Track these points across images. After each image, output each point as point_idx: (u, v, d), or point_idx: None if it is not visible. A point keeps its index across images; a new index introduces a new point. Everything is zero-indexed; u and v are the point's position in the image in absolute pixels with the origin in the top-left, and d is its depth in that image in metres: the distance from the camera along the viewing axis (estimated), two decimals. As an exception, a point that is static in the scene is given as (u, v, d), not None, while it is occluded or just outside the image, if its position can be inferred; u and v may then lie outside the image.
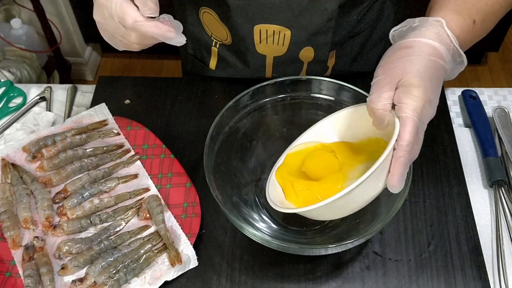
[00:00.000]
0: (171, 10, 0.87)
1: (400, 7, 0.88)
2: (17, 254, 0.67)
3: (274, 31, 0.77)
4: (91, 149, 0.77)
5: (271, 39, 0.79)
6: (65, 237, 0.69)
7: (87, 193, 0.72)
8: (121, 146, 0.79)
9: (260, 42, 0.80)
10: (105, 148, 0.78)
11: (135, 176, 0.76)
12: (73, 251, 0.67)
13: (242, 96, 0.70)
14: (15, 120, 0.85)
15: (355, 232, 0.65)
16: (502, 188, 0.75)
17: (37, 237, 0.68)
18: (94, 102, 0.86)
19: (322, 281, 0.67)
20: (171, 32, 0.53)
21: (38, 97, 0.88)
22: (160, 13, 0.54)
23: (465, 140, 0.82)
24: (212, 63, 0.89)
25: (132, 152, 0.78)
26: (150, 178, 0.75)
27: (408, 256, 0.69)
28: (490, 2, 0.61)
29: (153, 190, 0.74)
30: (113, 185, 0.74)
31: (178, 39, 0.54)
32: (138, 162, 0.77)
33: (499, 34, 2.01)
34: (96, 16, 0.57)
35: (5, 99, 0.88)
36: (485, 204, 0.75)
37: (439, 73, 0.55)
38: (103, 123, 0.81)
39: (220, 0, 0.75)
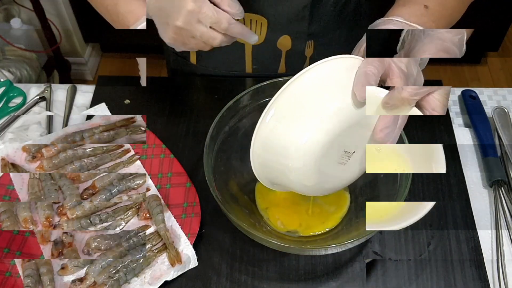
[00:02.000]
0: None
1: (377, 7, 0.88)
2: (46, 249, 0.67)
3: (250, 19, 0.79)
4: (91, 149, 0.77)
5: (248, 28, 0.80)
6: (94, 233, 0.69)
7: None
8: (120, 146, 0.79)
9: None
10: (105, 148, 0.78)
11: (135, 176, 0.76)
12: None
13: (242, 96, 0.70)
14: (15, 119, 0.85)
15: (355, 232, 0.65)
16: (502, 188, 0.75)
17: (66, 232, 0.68)
18: (94, 102, 0.86)
19: (322, 281, 0.67)
20: (251, 32, 0.64)
21: (38, 97, 0.88)
22: None
23: (465, 140, 0.82)
24: (193, 58, 0.91)
25: (132, 152, 0.78)
26: (150, 178, 0.75)
27: (408, 256, 0.69)
28: None
29: (153, 190, 0.74)
30: None
31: (255, 37, 0.65)
32: (138, 162, 0.77)
33: (499, 34, 2.01)
34: (179, 22, 0.61)
35: (5, 99, 0.88)
36: (485, 204, 0.75)
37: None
38: (131, 120, 0.81)
39: None
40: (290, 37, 0.83)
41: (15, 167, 0.75)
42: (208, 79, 0.91)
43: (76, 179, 0.74)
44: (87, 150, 0.77)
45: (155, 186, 0.74)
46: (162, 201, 0.72)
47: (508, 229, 0.71)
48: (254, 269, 0.68)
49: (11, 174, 0.73)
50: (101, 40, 2.19)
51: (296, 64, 0.89)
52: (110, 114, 0.82)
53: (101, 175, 0.75)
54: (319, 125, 0.52)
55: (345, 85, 0.53)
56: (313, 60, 0.88)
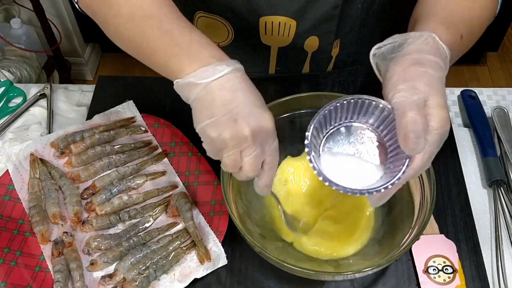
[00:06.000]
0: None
1: (401, 5, 0.88)
2: (46, 249, 0.67)
3: (280, 22, 0.78)
4: (119, 145, 0.78)
5: (276, 30, 0.79)
6: (94, 233, 0.69)
7: (115, 189, 0.73)
8: (149, 143, 0.79)
9: (266, 34, 0.80)
10: (133, 145, 0.78)
11: (163, 173, 0.76)
12: (102, 247, 0.67)
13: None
14: (16, 117, 0.85)
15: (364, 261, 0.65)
16: (501, 188, 0.75)
17: (66, 232, 0.68)
18: (94, 102, 0.86)
19: (322, 281, 0.67)
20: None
21: (39, 94, 0.88)
22: None
23: (464, 140, 0.82)
24: None
25: (160, 150, 0.78)
26: (178, 175, 0.75)
27: (408, 256, 0.69)
28: (476, 20, 0.62)
29: (181, 188, 0.74)
30: (141, 181, 0.74)
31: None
32: (166, 160, 0.77)
33: (499, 34, 2.01)
34: (247, 128, 0.53)
35: (4, 99, 0.88)
36: (484, 204, 0.75)
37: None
38: (131, 120, 0.81)
39: None
40: (317, 37, 0.81)
41: (44, 162, 0.75)
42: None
43: (76, 179, 0.74)
44: (116, 146, 0.77)
45: (183, 183, 0.74)
46: (190, 199, 0.72)
47: (507, 229, 0.72)
48: (254, 269, 0.68)
49: (11, 174, 0.74)
50: (101, 40, 2.19)
51: (321, 65, 0.87)
52: (138, 111, 0.82)
53: (101, 174, 0.75)
54: None
55: None
56: (339, 60, 0.87)
